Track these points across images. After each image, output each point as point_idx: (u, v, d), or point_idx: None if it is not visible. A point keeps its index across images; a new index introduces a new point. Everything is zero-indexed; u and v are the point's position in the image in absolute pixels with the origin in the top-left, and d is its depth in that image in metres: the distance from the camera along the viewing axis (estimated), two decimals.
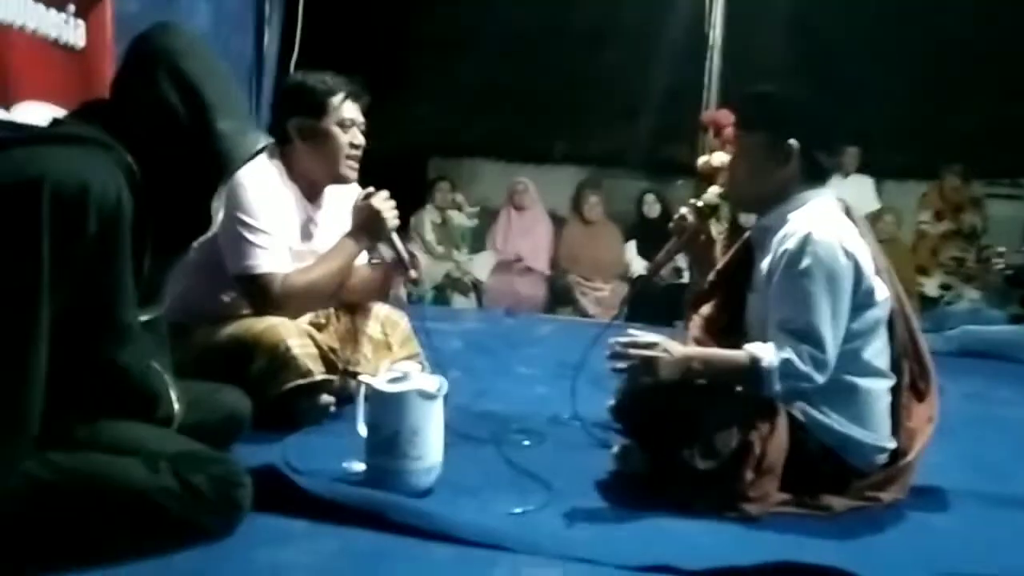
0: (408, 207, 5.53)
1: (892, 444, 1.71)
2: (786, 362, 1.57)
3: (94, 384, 1.31)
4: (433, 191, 5.55)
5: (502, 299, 5.17)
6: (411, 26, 6.32)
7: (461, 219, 5.57)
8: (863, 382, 1.67)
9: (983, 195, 5.57)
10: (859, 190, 5.57)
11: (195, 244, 1.48)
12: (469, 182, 6.62)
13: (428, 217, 5.45)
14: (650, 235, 4.76)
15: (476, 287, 5.33)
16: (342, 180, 2.07)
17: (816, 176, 1.73)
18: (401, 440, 1.54)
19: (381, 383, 1.58)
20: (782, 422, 1.62)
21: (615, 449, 1.82)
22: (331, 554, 1.33)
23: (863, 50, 5.64)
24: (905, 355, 1.75)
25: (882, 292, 1.68)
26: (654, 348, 1.62)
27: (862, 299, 1.64)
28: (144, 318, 1.41)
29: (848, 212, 1.75)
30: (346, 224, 2.14)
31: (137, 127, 1.32)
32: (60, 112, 2.18)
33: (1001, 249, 4.43)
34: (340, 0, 4.88)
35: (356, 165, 2.07)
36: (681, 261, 4.32)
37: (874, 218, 5.32)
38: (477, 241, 5.58)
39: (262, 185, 1.96)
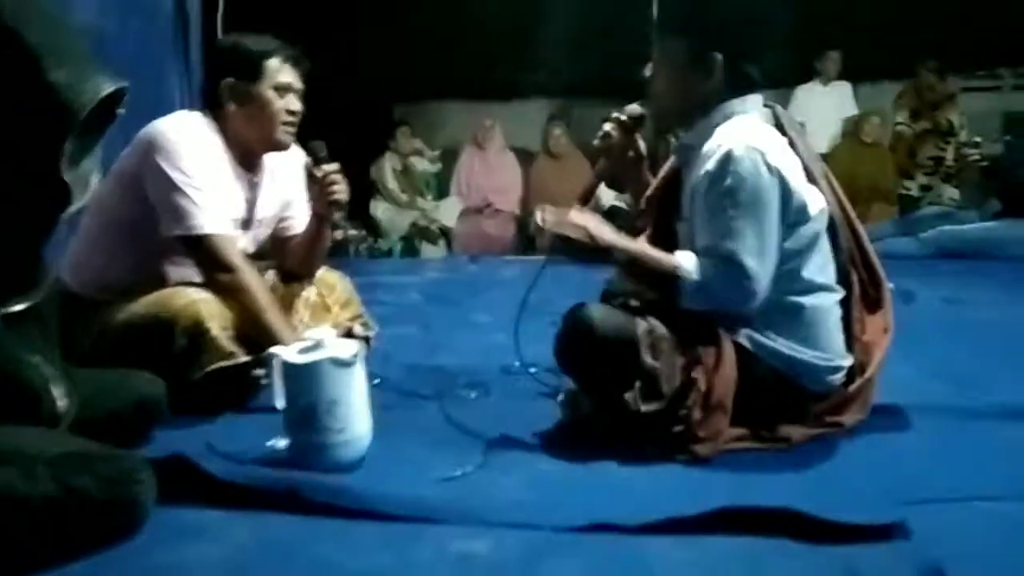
0: (374, 155, 5.37)
1: (847, 361, 1.60)
2: (705, 285, 1.48)
3: None
4: (395, 137, 5.36)
5: (473, 244, 5.04)
6: None
7: (423, 165, 5.39)
8: (807, 300, 1.55)
9: (959, 90, 5.39)
10: (837, 96, 5.41)
11: (72, 212, 1.33)
12: (435, 125, 6.42)
13: (389, 165, 5.27)
14: None
15: (445, 234, 5.19)
16: (278, 147, 1.94)
17: (743, 87, 1.58)
18: (318, 413, 1.43)
19: (291, 354, 1.46)
20: (728, 352, 1.51)
21: (560, 397, 1.71)
22: (241, 546, 1.23)
23: None
24: (853, 265, 1.63)
25: (816, 204, 1.56)
26: (578, 231, 1.57)
27: (794, 216, 1.52)
28: (18, 307, 1.28)
29: (779, 122, 1.61)
30: (291, 190, 2.03)
31: None
32: None
33: (977, 139, 4.27)
34: None
35: (293, 131, 1.94)
36: None
37: (858, 122, 5.17)
38: (442, 186, 5.41)
39: (197, 143, 1.82)
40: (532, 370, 2.02)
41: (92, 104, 1.26)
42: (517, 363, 2.01)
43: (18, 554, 1.14)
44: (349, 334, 2.12)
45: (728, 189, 1.47)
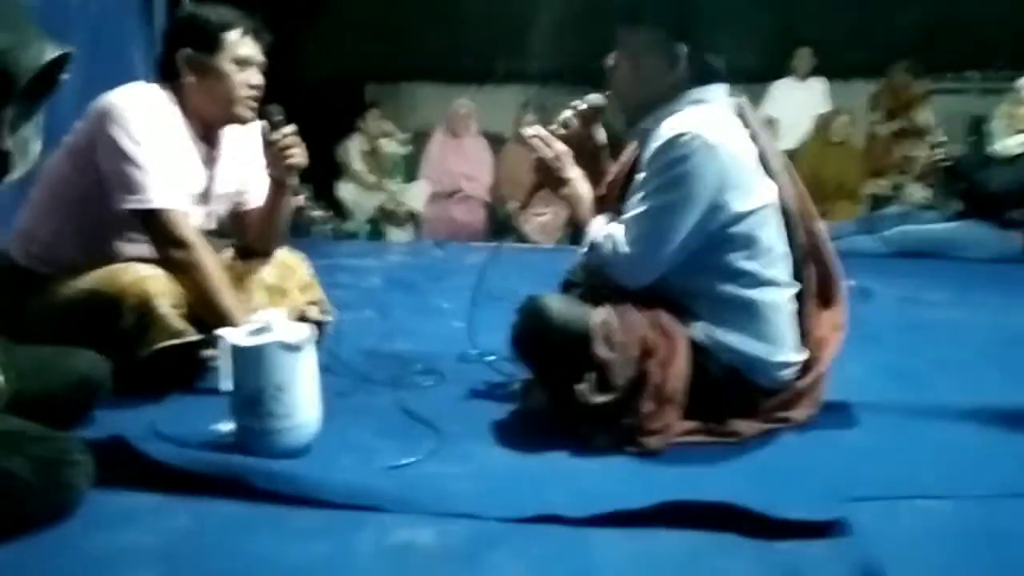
0: (341, 135, 5.30)
1: (799, 357, 1.61)
2: (594, 246, 1.58)
3: None
4: (365, 119, 5.27)
5: (441, 229, 4.98)
6: None
7: (392, 147, 5.31)
8: (755, 293, 1.56)
9: (928, 91, 5.45)
10: (812, 93, 5.45)
11: (10, 181, 1.29)
12: (407, 108, 6.35)
13: (357, 146, 5.19)
14: None
15: (413, 218, 5.13)
16: (238, 120, 1.88)
17: (706, 78, 1.58)
18: (265, 398, 1.40)
19: (239, 336, 1.43)
20: (682, 346, 1.51)
21: (516, 386, 1.70)
22: (179, 532, 1.20)
23: None
24: (809, 261, 1.64)
25: (765, 197, 1.56)
26: (556, 159, 1.69)
27: (732, 207, 1.52)
28: None
29: (742, 113, 1.60)
30: (251, 163, 1.98)
31: None
32: None
33: (942, 139, 4.33)
34: None
35: (254, 105, 1.88)
36: None
37: (827, 120, 5.21)
38: (411, 169, 5.34)
39: (152, 115, 1.77)
40: (490, 358, 2.01)
41: (33, 71, 1.21)
42: (474, 351, 2.00)
43: None
44: (303, 318, 2.08)
45: (659, 167, 1.51)
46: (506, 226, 5.19)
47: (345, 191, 5.08)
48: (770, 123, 5.06)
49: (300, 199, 2.02)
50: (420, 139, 5.53)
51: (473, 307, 1.81)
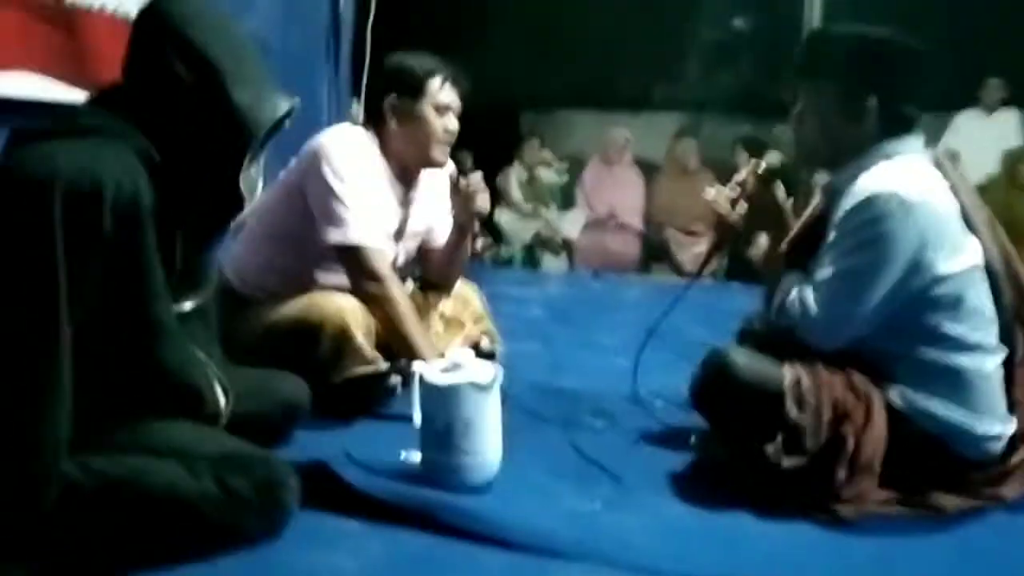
0: (499, 163, 5.45)
1: (1008, 428, 1.49)
2: (783, 305, 1.53)
3: (134, 385, 1.28)
4: (522, 148, 5.40)
5: (594, 258, 5.01)
6: None
7: (550, 175, 5.40)
8: (963, 359, 1.45)
9: None
10: (1004, 127, 5.04)
11: (240, 219, 1.42)
12: (562, 134, 6.43)
13: (515, 175, 5.31)
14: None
15: (567, 246, 5.18)
16: (433, 164, 2.00)
17: (899, 128, 1.50)
18: (454, 434, 1.46)
19: (432, 373, 1.49)
20: (879, 411, 1.43)
21: (693, 438, 1.67)
22: (377, 557, 1.27)
23: None
24: (1018, 323, 1.52)
25: (970, 257, 1.46)
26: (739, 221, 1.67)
27: (935, 269, 1.42)
28: (187, 306, 1.37)
29: (939, 164, 1.51)
30: (439, 204, 2.10)
31: (151, 106, 1.25)
32: None
33: None
34: None
35: (448, 149, 2.00)
36: None
37: (1015, 160, 4.81)
38: (567, 197, 5.41)
39: (359, 157, 1.91)
40: (659, 403, 2.00)
41: (271, 123, 1.33)
42: (642, 392, 1.99)
43: (171, 544, 1.22)
44: (476, 347, 2.16)
45: (854, 227, 1.44)
46: (660, 254, 5.15)
47: (503, 218, 5.21)
48: (952, 157, 4.73)
49: (480, 243, 2.10)
50: (575, 165, 5.59)
51: (642, 350, 1.80)
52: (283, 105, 1.36)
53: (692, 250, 5.06)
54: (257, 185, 1.42)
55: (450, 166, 2.05)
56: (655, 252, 5.16)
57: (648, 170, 5.56)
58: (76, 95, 2.11)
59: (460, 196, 2.01)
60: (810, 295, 1.49)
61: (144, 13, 1.32)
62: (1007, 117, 5.06)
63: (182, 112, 1.26)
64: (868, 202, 1.42)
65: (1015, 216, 4.60)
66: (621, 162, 5.33)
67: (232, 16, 1.39)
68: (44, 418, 1.12)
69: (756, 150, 5.20)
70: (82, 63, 2.18)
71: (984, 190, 4.73)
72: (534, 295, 3.45)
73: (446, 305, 2.21)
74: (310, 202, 1.87)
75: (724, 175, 5.42)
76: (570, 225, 5.19)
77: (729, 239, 1.71)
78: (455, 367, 1.50)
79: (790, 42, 4.55)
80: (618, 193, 5.28)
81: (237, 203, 1.36)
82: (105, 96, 1.31)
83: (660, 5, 6.20)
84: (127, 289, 1.20)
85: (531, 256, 5.13)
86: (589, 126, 6.28)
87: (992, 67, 5.09)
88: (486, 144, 5.13)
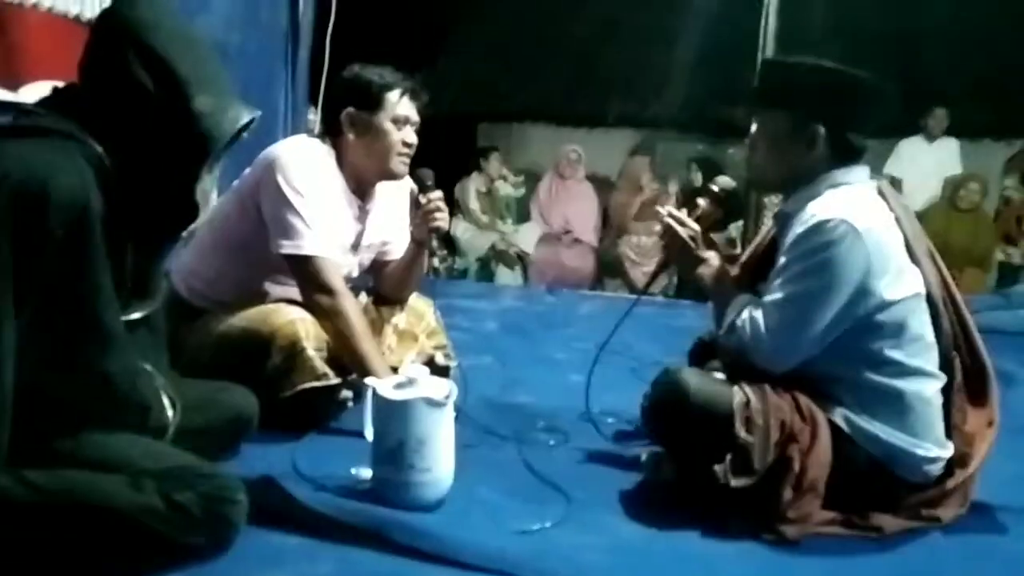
0: (456, 174, 5.44)
1: (946, 452, 1.54)
2: (733, 326, 1.55)
3: (78, 394, 1.24)
4: (487, 160, 5.40)
5: (549, 271, 5.04)
6: None
7: (507, 189, 5.43)
8: (904, 384, 1.50)
9: None
10: (945, 155, 5.24)
11: (193, 228, 1.39)
12: (518, 147, 6.47)
13: (473, 186, 5.33)
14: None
15: (522, 259, 5.21)
16: (391, 176, 1.99)
17: (847, 157, 1.55)
18: (406, 451, 1.44)
19: (386, 388, 1.48)
20: (824, 433, 1.47)
21: (643, 457, 1.69)
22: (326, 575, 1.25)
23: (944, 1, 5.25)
24: (956, 351, 1.57)
25: (912, 286, 1.51)
26: (692, 239, 1.67)
27: (880, 296, 1.47)
28: (136, 315, 1.33)
29: (883, 194, 1.56)
30: (397, 218, 2.09)
31: (108, 111, 1.22)
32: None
33: None
34: None
35: (407, 162, 1.98)
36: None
37: (956, 186, 5.00)
38: (522, 211, 5.43)
39: (315, 168, 1.88)
40: (610, 420, 2.01)
41: (231, 133, 1.31)
42: (596, 410, 2.00)
43: (113, 561, 1.19)
44: (431, 362, 2.15)
45: (803, 252, 1.47)
46: (614, 270, 5.21)
47: (459, 229, 5.21)
48: (894, 183, 4.89)
49: (436, 260, 2.09)
50: (530, 179, 5.63)
51: (592, 370, 1.81)
52: (244, 115, 1.34)
53: (644, 267, 5.14)
54: (211, 194, 1.40)
55: (409, 182, 2.04)
56: (609, 268, 5.22)
57: (604, 186, 5.63)
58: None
59: (420, 212, 2.00)
60: (760, 317, 1.52)
61: (103, 17, 1.30)
62: (948, 145, 5.26)
63: (141, 119, 1.24)
64: (818, 228, 1.46)
65: (955, 238, 4.78)
66: (575, 177, 5.38)
67: (187, 16, 1.37)
68: None
69: (710, 170, 5.32)
70: (10, 59, 2.12)
71: (925, 215, 4.92)
72: (488, 308, 3.45)
73: (399, 318, 2.19)
74: (264, 213, 1.85)
75: (681, 192, 5.50)
76: (525, 238, 5.21)
77: (678, 257, 1.73)
78: (409, 382, 1.49)
79: (744, 65, 4.71)
80: (572, 208, 5.33)
81: (191, 212, 1.33)
82: (60, 97, 1.28)
83: (619, 24, 6.30)
84: (74, 294, 1.17)
85: (486, 269, 5.14)
86: (545, 140, 6.34)
87: (935, 96, 5.28)
88: (443, 154, 5.13)
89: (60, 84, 1.31)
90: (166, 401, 1.38)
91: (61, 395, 1.22)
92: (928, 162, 5.21)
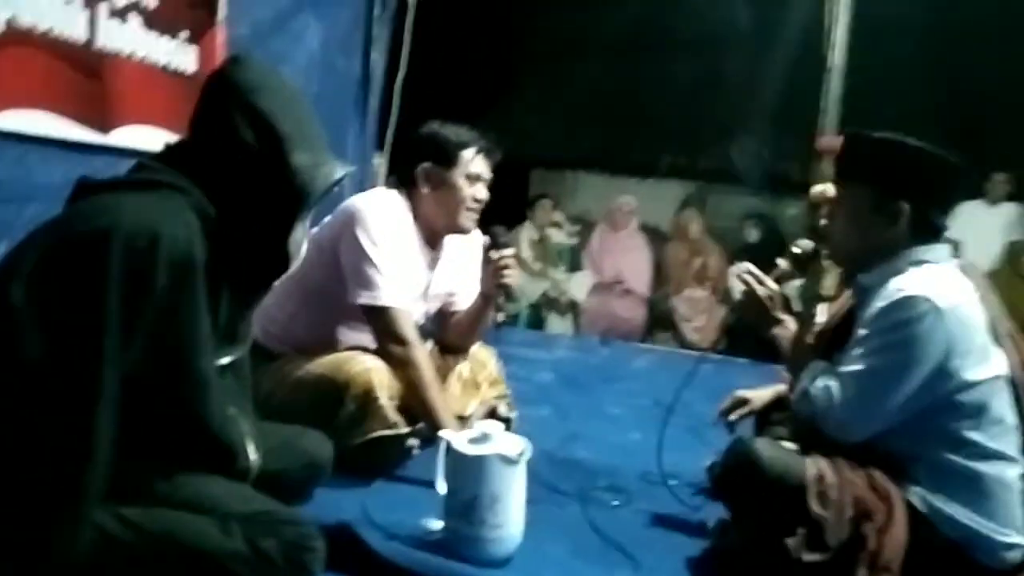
0: (509, 221, 5.50)
1: None
2: (806, 394, 1.54)
3: (173, 436, 1.30)
4: (536, 208, 5.47)
5: (599, 321, 5.05)
6: (516, 40, 6.29)
7: (560, 237, 5.47)
8: (984, 467, 1.47)
9: None
10: (1006, 219, 5.16)
11: (280, 280, 1.45)
12: (571, 195, 6.53)
13: (526, 234, 5.38)
14: (752, 259, 4.53)
15: (573, 307, 5.22)
16: (459, 230, 2.06)
17: (928, 234, 1.55)
18: (479, 506, 1.47)
19: (461, 443, 1.51)
20: (900, 512, 1.44)
21: (711, 524, 1.68)
22: None
23: (1004, 66, 5.20)
24: None
25: (994, 368, 1.49)
26: (770, 298, 1.68)
27: (962, 374, 1.46)
28: (224, 361, 1.39)
29: (966, 273, 1.56)
30: (466, 270, 2.14)
31: (213, 166, 1.29)
32: (165, 135, 2.25)
33: None
34: (448, 18, 4.88)
35: (476, 217, 2.06)
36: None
37: (1019, 248, 4.91)
38: (575, 259, 5.47)
39: (392, 220, 1.96)
40: (673, 482, 2.00)
41: (325, 188, 1.37)
42: (656, 471, 2.00)
43: None
44: (493, 412, 2.18)
45: (885, 327, 1.47)
46: (664, 322, 5.19)
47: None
48: (956, 247, 4.82)
49: (501, 315, 2.14)
50: (584, 228, 5.67)
51: (663, 433, 1.81)
52: (338, 171, 1.40)
53: (694, 322, 5.11)
54: (303, 245, 1.46)
55: (480, 235, 2.09)
56: (659, 320, 5.21)
57: (655, 236, 5.64)
58: (91, 136, 2.17)
59: (491, 267, 2.05)
60: (835, 386, 1.52)
61: (213, 77, 1.38)
62: (1010, 210, 5.18)
63: (244, 173, 1.31)
64: (901, 303, 1.46)
65: (1018, 306, 4.67)
66: (627, 227, 5.41)
67: (272, 64, 1.45)
68: (85, 465, 1.13)
69: (766, 226, 5.31)
70: (103, 106, 2.24)
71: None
72: (543, 358, 3.46)
73: (464, 366, 2.23)
74: (343, 262, 1.91)
75: (729, 247, 5.48)
76: (577, 287, 5.23)
77: (755, 316, 1.73)
78: (484, 437, 1.51)
79: (801, 122, 4.71)
80: (624, 258, 5.34)
81: (284, 262, 1.40)
82: (170, 152, 1.36)
83: (675, 75, 6.36)
84: (175, 341, 1.22)
85: (537, 316, 5.16)
86: (597, 189, 6.39)
87: (997, 161, 5.22)
88: (496, 201, 5.21)
89: (164, 134, 1.40)
90: (251, 446, 1.42)
91: (156, 438, 1.27)
92: (989, 225, 5.14)
